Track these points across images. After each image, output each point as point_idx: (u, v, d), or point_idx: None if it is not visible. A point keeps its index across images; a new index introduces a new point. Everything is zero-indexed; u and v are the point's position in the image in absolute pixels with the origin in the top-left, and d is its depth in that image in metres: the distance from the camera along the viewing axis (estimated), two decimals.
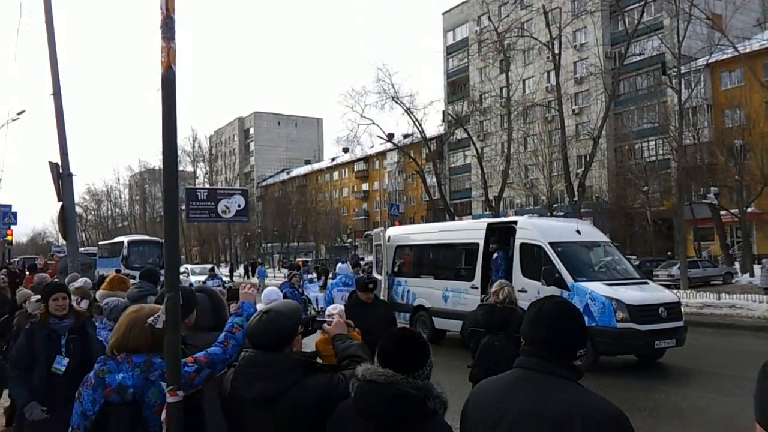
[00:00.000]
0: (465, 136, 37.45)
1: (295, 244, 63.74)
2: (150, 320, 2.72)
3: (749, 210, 29.58)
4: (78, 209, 72.26)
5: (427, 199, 46.22)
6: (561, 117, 29.71)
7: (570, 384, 1.99)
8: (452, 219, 37.39)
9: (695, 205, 32.80)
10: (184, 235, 63.63)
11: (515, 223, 12.66)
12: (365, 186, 77.88)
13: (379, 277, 14.36)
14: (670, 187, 33.93)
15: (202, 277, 28.88)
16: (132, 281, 6.22)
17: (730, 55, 32.10)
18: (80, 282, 8.61)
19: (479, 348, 5.53)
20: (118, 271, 10.56)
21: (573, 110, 47.06)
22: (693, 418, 7.93)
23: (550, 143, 39.79)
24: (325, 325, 3.07)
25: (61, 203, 10.90)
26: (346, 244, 65.34)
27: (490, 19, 34.13)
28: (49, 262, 29.29)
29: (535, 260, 11.63)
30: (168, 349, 2.59)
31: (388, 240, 15.34)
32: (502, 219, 14.27)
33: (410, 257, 15.37)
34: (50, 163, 10.90)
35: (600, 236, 13.24)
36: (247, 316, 3.00)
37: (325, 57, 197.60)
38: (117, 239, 39.23)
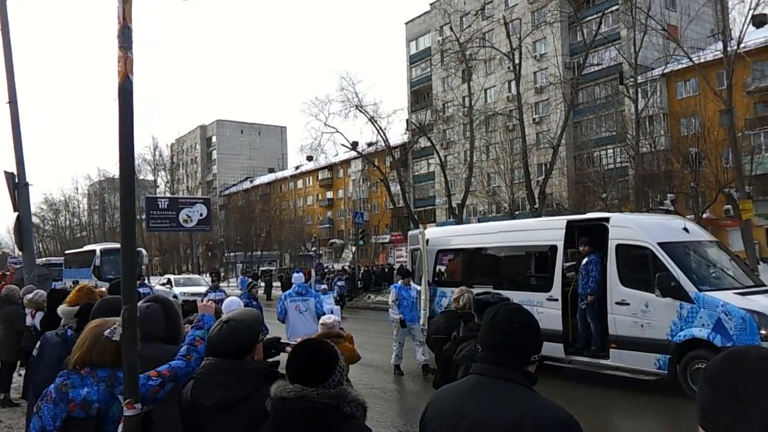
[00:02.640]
0: (428, 144, 37.69)
1: (259, 253, 63.19)
2: (106, 333, 2.69)
3: (704, 216, 30.35)
4: (35, 219, 70.56)
5: (392, 207, 46.32)
6: (522, 126, 30.15)
7: (523, 390, 2.03)
8: (416, 227, 37.55)
9: (653, 212, 33.54)
10: (145, 245, 62.44)
11: (607, 220, 10.34)
12: (330, 194, 77.69)
13: (417, 287, 12.51)
14: (628, 194, 34.62)
15: (189, 289, 27.06)
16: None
17: (685, 65, 32.97)
18: (32, 294, 8.43)
19: (441, 355, 5.58)
20: (75, 282, 10.36)
21: (533, 119, 47.76)
22: None
23: (512, 151, 40.30)
24: (288, 347, 3.09)
25: (16, 213, 10.67)
26: (311, 253, 65.02)
27: (452, 29, 34.52)
28: (5, 273, 28.36)
29: (638, 265, 9.71)
30: (125, 361, 2.57)
31: (427, 243, 13.24)
32: (589, 215, 11.82)
33: (458, 263, 13.36)
34: (5, 172, 10.69)
35: (706, 234, 11.14)
36: (208, 328, 3.00)
37: (289, 65, 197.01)
38: (87, 248, 37.35)
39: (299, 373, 2.27)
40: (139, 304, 3.38)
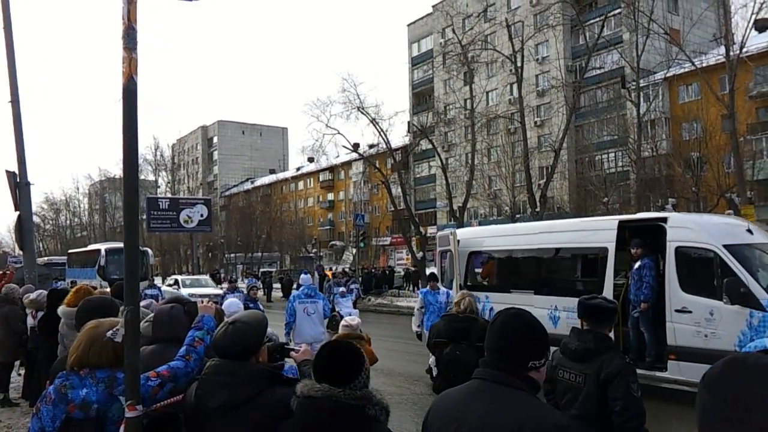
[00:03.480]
0: (430, 146, 37.66)
1: (259, 254, 63.18)
2: (108, 334, 2.68)
3: None
4: (35, 219, 70.46)
5: (392, 209, 46.30)
6: (523, 129, 30.12)
7: (523, 395, 2.03)
8: (417, 230, 37.56)
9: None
10: (145, 245, 62.26)
11: (664, 220, 9.50)
12: (330, 196, 77.73)
13: (449, 291, 11.83)
14: (630, 198, 34.63)
15: (197, 290, 26.17)
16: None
17: (687, 70, 33.07)
18: (34, 294, 8.43)
19: (442, 358, 5.57)
20: (73, 282, 10.35)
21: (535, 122, 47.80)
22: None
23: (513, 154, 40.30)
24: (292, 353, 3.11)
25: (17, 213, 10.68)
26: (311, 255, 65.00)
27: (454, 31, 34.45)
28: (5, 272, 28.32)
29: (701, 270, 9.02)
30: (127, 362, 2.55)
31: (458, 244, 12.47)
32: (643, 215, 10.98)
33: (493, 266, 12.55)
34: (7, 171, 10.69)
35: None
36: (208, 329, 2.99)
37: (291, 66, 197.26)
38: (92, 247, 36.98)
39: (327, 372, 2.29)
40: (160, 305, 3.39)
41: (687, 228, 9.21)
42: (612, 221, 10.40)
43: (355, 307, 18.85)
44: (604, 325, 3.80)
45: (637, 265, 9.52)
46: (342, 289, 18.93)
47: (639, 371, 8.59)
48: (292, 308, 9.93)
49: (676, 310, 8.88)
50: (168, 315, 3.28)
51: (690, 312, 8.66)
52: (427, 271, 35.49)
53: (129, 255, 2.63)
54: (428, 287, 11.32)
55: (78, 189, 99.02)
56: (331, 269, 37.90)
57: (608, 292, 9.52)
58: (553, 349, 7.06)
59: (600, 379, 3.48)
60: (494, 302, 11.29)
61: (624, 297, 9.79)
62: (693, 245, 9.02)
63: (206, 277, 34.93)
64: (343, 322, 5.77)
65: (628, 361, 3.75)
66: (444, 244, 13.08)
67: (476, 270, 12.70)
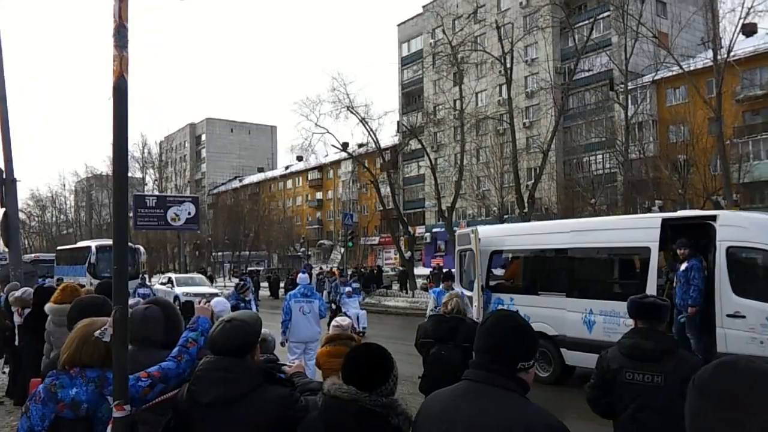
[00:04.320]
0: (419, 146, 37.69)
1: (247, 252, 62.95)
2: (97, 333, 2.67)
3: None
4: (21, 215, 69.67)
5: (381, 208, 46.31)
6: (512, 130, 30.23)
7: (513, 396, 2.04)
8: (405, 229, 37.59)
9: None
10: (132, 243, 61.83)
11: (714, 218, 8.85)
12: (319, 195, 77.59)
13: (467, 292, 11.14)
14: (617, 199, 34.83)
15: (192, 288, 25.13)
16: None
17: (675, 73, 33.27)
18: (19, 292, 8.36)
19: (428, 358, 5.60)
20: (60, 280, 10.27)
21: (524, 123, 47.95)
22: None
23: (502, 155, 40.41)
24: (285, 367, 3.13)
25: (3, 210, 10.60)
26: (299, 254, 64.85)
27: (444, 32, 34.51)
28: None
29: (757, 272, 8.54)
30: (115, 362, 2.54)
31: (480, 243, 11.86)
32: (690, 213, 10.35)
33: (518, 266, 11.85)
34: None
35: None
36: (202, 331, 2.97)
37: (280, 65, 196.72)
38: (81, 244, 36.47)
39: (355, 375, 2.28)
40: (138, 306, 3.33)
41: (741, 227, 8.57)
42: (655, 219, 9.70)
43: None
44: (661, 323, 3.77)
45: (684, 266, 8.88)
46: (349, 289, 18.66)
47: None
48: (288, 307, 9.84)
49: (728, 315, 8.30)
50: (142, 316, 3.14)
51: (743, 317, 8.09)
52: (416, 272, 35.69)
53: (118, 253, 2.62)
54: (441, 287, 10.62)
55: (64, 186, 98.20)
56: (332, 268, 37.32)
57: (652, 292, 8.55)
58: (586, 355, 6.67)
59: (682, 376, 3.37)
60: (520, 305, 10.55)
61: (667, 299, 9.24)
62: (747, 245, 8.39)
63: (201, 276, 34.38)
64: (333, 323, 5.76)
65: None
66: (464, 243, 12.36)
67: (495, 271, 12.00)
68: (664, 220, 9.38)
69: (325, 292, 32.31)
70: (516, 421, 1.94)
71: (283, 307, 10.17)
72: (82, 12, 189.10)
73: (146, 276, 28.21)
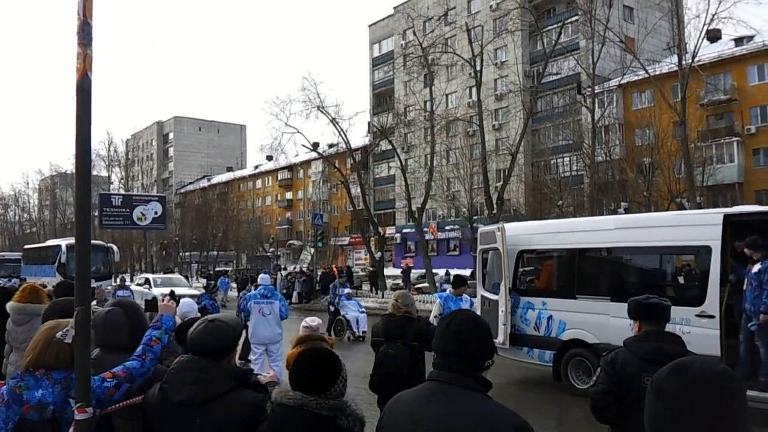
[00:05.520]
0: (389, 147, 37.75)
1: (215, 253, 62.31)
2: (58, 335, 2.63)
3: None
4: None
5: (351, 209, 46.29)
6: (482, 132, 30.44)
7: (479, 396, 2.06)
8: (376, 230, 37.61)
9: None
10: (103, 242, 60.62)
11: None
12: (289, 195, 77.19)
13: (492, 296, 10.58)
14: (583, 201, 35.34)
15: (173, 290, 24.03)
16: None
17: (641, 77, 33.87)
18: None
19: (376, 356, 5.70)
20: (23, 280, 10.05)
21: (493, 126, 48.33)
22: None
23: (471, 157, 40.72)
24: (260, 377, 3.10)
25: None
26: (269, 254, 64.41)
27: (415, 33, 34.63)
28: None
29: None
30: (77, 364, 2.50)
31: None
32: (755, 208, 9.52)
33: (551, 267, 10.94)
34: None
35: None
36: (166, 329, 2.94)
37: (250, 63, 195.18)
38: (51, 242, 35.05)
39: (301, 380, 2.27)
40: (100, 310, 3.26)
41: None
42: (716, 215, 8.67)
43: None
44: (664, 323, 3.63)
45: (756, 268, 8.04)
46: (348, 290, 17.80)
47: (750, 392, 7.42)
48: (246, 307, 9.72)
49: None
50: (102, 320, 3.04)
51: None
52: (386, 272, 35.65)
53: (80, 252, 2.58)
54: (449, 291, 9.91)
55: (28, 184, 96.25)
56: (336, 267, 36.43)
57: (713, 299, 8.13)
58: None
59: None
60: (554, 309, 9.82)
61: (726, 304, 8.24)
62: None
63: (180, 276, 33.52)
64: (303, 323, 5.74)
65: None
66: (488, 242, 11.30)
67: (524, 272, 11.11)
68: (727, 216, 8.42)
69: (295, 293, 32.28)
70: (482, 420, 1.96)
71: (240, 305, 10.02)
72: (46, 7, 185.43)
73: (125, 277, 27.42)
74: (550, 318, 9.83)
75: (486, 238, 11.49)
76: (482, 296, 11.25)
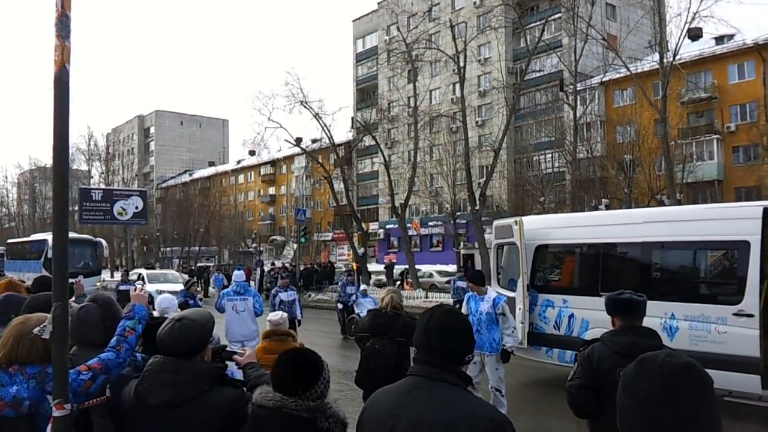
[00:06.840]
0: (373, 143, 37.72)
1: (197, 248, 61.93)
2: (36, 330, 2.60)
3: None
4: None
5: (335, 204, 46.22)
6: (465, 128, 30.52)
7: (459, 390, 2.06)
8: (359, 226, 37.56)
9: None
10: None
11: None
12: (272, 190, 76.82)
13: (508, 293, 9.88)
14: (565, 197, 35.59)
15: (166, 286, 20.82)
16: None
17: (622, 75, 34.15)
18: None
19: (362, 351, 5.75)
20: (1, 275, 9.89)
21: (476, 122, 48.49)
22: None
23: (455, 153, 40.83)
24: (236, 356, 3.04)
25: None
26: (251, 249, 64.15)
27: (399, 29, 34.61)
28: None
29: None
30: (55, 360, 2.47)
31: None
32: None
33: (573, 263, 10.36)
34: None
35: None
36: (139, 318, 2.91)
37: (233, 57, 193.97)
38: (36, 236, 34.05)
39: (281, 381, 2.25)
40: (74, 306, 3.22)
41: None
42: (755, 208, 8.11)
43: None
44: (641, 319, 3.59)
45: None
46: (364, 287, 16.80)
47: None
48: (221, 305, 9.69)
49: None
50: (76, 317, 2.98)
51: None
52: (369, 268, 35.64)
53: (58, 246, 2.54)
54: (469, 289, 8.61)
55: (6, 178, 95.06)
56: (348, 267, 35.47)
57: (752, 297, 7.69)
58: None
59: None
60: (576, 307, 9.40)
61: (767, 302, 7.84)
62: None
63: (174, 272, 32.53)
64: (267, 318, 5.69)
65: None
66: (504, 236, 10.84)
67: (543, 268, 10.61)
68: (766, 210, 7.88)
69: (276, 290, 32.01)
70: (461, 415, 1.97)
71: (216, 303, 10.04)
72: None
73: (128, 271, 26.85)
74: (571, 316, 9.43)
75: (501, 232, 11.03)
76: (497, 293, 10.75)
